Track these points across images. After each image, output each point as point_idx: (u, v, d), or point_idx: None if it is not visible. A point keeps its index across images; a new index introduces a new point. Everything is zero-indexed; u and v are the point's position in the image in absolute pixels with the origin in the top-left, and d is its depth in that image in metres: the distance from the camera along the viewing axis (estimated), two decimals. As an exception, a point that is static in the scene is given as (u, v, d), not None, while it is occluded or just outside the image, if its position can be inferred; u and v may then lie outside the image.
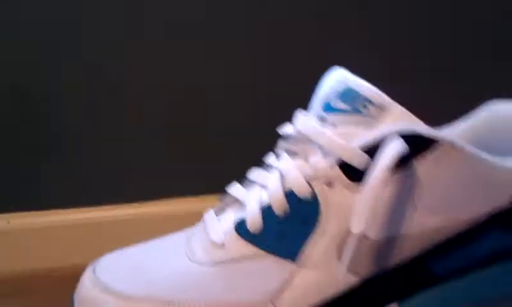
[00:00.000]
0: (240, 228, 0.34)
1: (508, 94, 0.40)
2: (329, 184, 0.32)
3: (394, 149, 0.30)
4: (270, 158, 0.36)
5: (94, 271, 0.35)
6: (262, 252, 0.33)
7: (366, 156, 0.32)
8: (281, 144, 0.36)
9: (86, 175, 0.55)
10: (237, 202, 0.35)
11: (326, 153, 0.33)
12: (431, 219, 0.32)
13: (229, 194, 0.36)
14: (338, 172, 0.32)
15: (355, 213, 0.30)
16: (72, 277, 0.42)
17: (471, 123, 0.39)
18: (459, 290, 0.34)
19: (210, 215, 0.36)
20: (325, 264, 0.32)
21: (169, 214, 0.56)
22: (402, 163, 0.32)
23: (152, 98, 0.55)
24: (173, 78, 0.54)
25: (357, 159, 0.32)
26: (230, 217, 0.35)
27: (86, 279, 0.35)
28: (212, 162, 0.54)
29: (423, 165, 0.32)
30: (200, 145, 0.55)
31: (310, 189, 0.33)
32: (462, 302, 0.34)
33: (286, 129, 0.35)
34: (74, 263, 0.50)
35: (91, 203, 0.55)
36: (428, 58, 0.53)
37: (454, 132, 0.38)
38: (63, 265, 0.53)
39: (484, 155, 0.33)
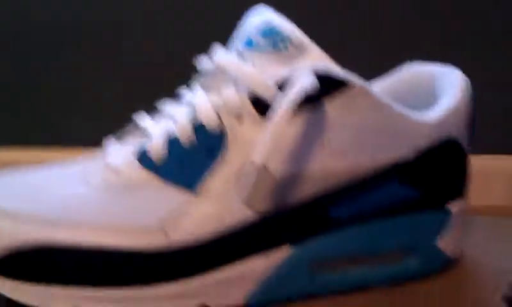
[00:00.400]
0: (141, 154, 0.32)
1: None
2: (239, 118, 0.31)
3: (304, 83, 0.30)
4: (182, 91, 0.35)
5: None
6: (159, 180, 0.31)
7: (275, 88, 0.31)
8: (195, 77, 0.35)
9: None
10: (142, 131, 0.34)
11: (238, 86, 0.32)
12: (335, 162, 0.32)
13: (134, 122, 0.35)
14: (248, 105, 0.31)
15: (258, 144, 0.29)
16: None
17: (389, 79, 0.39)
18: (355, 238, 0.34)
19: (110, 142, 0.34)
20: (223, 196, 0.31)
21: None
22: (313, 102, 0.31)
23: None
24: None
25: (267, 92, 0.31)
26: (132, 144, 0.33)
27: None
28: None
29: (333, 107, 0.31)
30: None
31: (219, 121, 0.32)
32: (357, 251, 0.34)
33: (203, 62, 0.34)
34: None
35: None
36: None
37: (373, 86, 0.38)
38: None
39: (394, 105, 0.33)
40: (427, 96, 0.38)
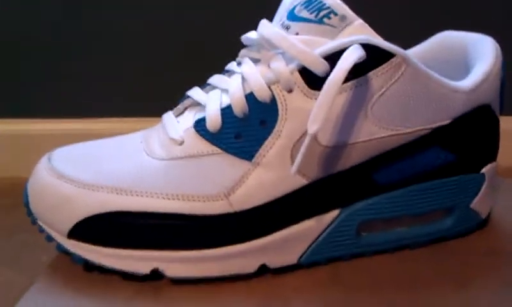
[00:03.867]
0: (200, 126, 0.34)
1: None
2: (289, 89, 0.34)
3: (353, 54, 0.32)
4: (231, 65, 0.37)
5: (49, 160, 0.35)
6: (219, 150, 0.34)
7: (326, 63, 0.33)
8: (243, 52, 0.37)
9: (30, 87, 0.54)
10: (197, 105, 0.36)
11: (287, 59, 0.34)
12: (379, 129, 0.34)
13: (189, 97, 0.37)
14: (298, 77, 0.33)
15: (312, 114, 0.31)
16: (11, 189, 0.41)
17: (421, 48, 0.41)
18: (398, 201, 0.36)
19: (168, 116, 0.37)
20: (278, 165, 0.33)
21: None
22: (359, 73, 0.33)
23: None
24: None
25: (317, 65, 0.33)
26: (190, 118, 0.36)
27: (41, 167, 0.35)
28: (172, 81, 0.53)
29: (377, 77, 0.34)
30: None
31: (270, 93, 0.34)
32: (399, 212, 0.36)
33: (249, 35, 0.36)
34: (13, 176, 0.50)
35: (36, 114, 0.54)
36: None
37: (410, 53, 0.39)
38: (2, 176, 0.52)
39: (433, 73, 0.35)
40: (458, 64, 0.40)
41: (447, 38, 0.41)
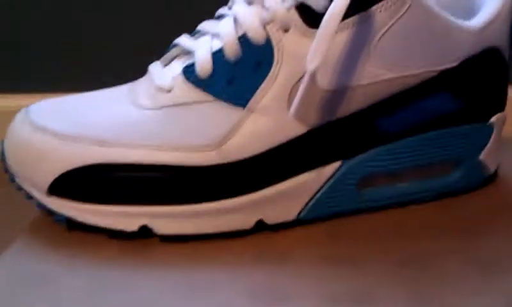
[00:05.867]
0: (189, 72, 0.32)
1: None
2: (285, 29, 0.31)
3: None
4: (222, 10, 0.34)
5: (26, 113, 0.32)
6: (210, 97, 0.31)
7: (325, -3, 0.30)
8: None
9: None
10: (186, 53, 0.33)
11: (283, -3, 0.31)
12: (382, 70, 0.32)
13: (176, 45, 0.34)
14: (295, 15, 0.31)
15: (311, 49, 0.29)
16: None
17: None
18: (402, 151, 0.34)
19: (155, 65, 0.34)
20: (275, 111, 0.31)
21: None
22: (361, 8, 0.31)
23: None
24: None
25: (316, 1, 0.30)
26: (178, 65, 0.33)
27: (18, 121, 0.32)
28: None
29: (381, 14, 0.31)
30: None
31: (265, 33, 0.31)
32: (404, 164, 0.34)
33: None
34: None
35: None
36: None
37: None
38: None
39: (442, 12, 0.32)
40: (465, 8, 0.37)
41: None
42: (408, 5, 0.31)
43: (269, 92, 0.31)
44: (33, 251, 0.30)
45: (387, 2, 0.31)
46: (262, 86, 0.31)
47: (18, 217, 0.33)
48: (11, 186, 0.32)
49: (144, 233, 0.31)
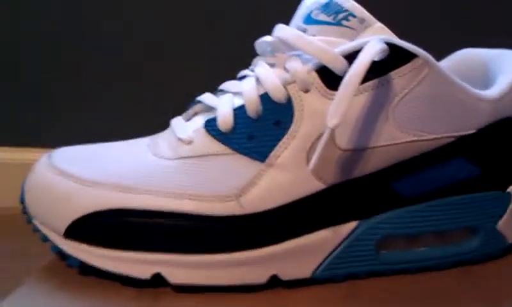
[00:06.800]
0: (211, 126, 0.33)
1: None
2: (306, 90, 0.32)
3: (375, 46, 0.30)
4: (244, 72, 0.35)
5: (49, 157, 0.33)
6: (230, 150, 0.32)
7: (345, 61, 0.31)
8: (256, 59, 0.36)
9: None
10: (208, 110, 0.34)
11: (304, 60, 0.33)
12: (401, 133, 0.32)
13: (199, 102, 0.35)
14: (315, 77, 0.32)
15: (331, 107, 0.30)
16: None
17: (443, 64, 0.40)
18: (420, 216, 0.34)
19: (177, 120, 0.35)
20: (293, 166, 0.31)
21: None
22: (380, 73, 0.32)
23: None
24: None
25: (336, 63, 0.31)
26: (200, 119, 0.34)
27: (40, 166, 0.33)
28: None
29: (399, 78, 0.32)
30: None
31: (286, 93, 0.32)
32: (421, 228, 0.34)
33: (264, 39, 0.35)
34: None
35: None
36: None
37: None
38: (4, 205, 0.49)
39: (458, 80, 0.33)
40: (481, 80, 0.38)
41: (467, 56, 0.40)
42: (425, 72, 0.32)
43: (288, 148, 0.31)
44: (44, 292, 0.30)
45: (405, 68, 0.32)
46: (282, 141, 0.31)
47: (34, 253, 0.33)
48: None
49: (158, 281, 0.30)
